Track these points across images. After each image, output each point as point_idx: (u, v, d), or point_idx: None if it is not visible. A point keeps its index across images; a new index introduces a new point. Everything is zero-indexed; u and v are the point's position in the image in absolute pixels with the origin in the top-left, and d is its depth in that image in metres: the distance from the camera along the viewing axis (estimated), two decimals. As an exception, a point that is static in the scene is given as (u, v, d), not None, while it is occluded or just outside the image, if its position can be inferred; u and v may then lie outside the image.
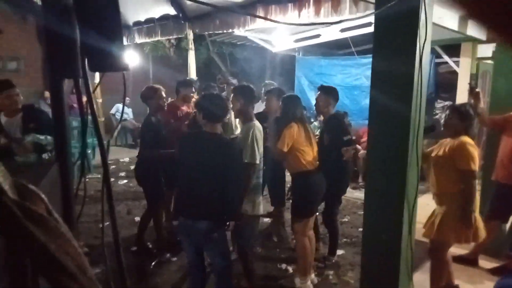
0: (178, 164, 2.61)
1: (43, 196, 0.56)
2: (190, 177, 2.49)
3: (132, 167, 7.28)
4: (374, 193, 2.10)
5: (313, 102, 8.57)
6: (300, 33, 6.92)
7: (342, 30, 6.21)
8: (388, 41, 2.01)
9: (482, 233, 2.75)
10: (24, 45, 9.35)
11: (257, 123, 2.97)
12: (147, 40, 7.00)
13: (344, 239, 4.27)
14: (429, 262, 3.63)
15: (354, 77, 7.50)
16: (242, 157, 2.72)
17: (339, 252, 3.94)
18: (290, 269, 3.54)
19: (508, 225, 3.58)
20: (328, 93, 3.55)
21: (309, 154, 3.14)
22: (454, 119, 2.76)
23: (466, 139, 2.71)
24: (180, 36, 6.86)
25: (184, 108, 4.26)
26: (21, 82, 7.41)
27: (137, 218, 4.76)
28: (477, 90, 3.28)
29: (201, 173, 2.43)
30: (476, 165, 2.64)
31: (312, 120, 7.47)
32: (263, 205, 3.18)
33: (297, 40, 7.20)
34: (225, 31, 5.80)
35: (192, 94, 4.30)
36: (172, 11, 5.96)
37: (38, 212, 0.52)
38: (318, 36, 6.70)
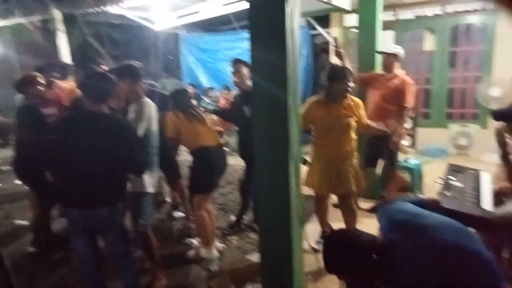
0: (55, 150, 2.33)
1: None
2: (78, 164, 2.25)
3: (4, 167, 6.46)
4: (261, 154, 2.24)
5: (202, 79, 8.57)
6: (181, 9, 6.76)
7: (224, 5, 6.25)
8: (260, 12, 2.10)
9: (360, 181, 3.14)
10: None
11: (149, 100, 2.89)
12: (5, 23, 6.12)
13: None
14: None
15: (239, 52, 7.67)
16: (135, 135, 2.55)
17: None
18: (195, 241, 3.61)
19: (379, 170, 4.14)
20: (246, 65, 3.48)
21: (203, 132, 3.21)
22: (337, 84, 2.96)
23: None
24: (45, 17, 6.15)
25: (50, 95, 3.87)
26: None
27: (18, 222, 4.31)
28: (339, 50, 3.63)
29: (89, 158, 2.23)
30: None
31: (202, 97, 7.49)
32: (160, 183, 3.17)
33: (179, 17, 7.03)
34: (97, 9, 5.37)
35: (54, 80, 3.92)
36: (31, -12, 5.29)
37: None
38: (199, 11, 6.63)
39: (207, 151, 3.18)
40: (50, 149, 2.38)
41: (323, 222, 3.36)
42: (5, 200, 5.07)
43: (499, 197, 2.74)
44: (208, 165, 3.20)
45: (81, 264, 2.47)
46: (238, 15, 7.02)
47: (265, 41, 2.11)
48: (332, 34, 6.96)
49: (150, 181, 2.79)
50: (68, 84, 4.89)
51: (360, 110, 3.09)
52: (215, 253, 3.33)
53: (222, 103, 7.15)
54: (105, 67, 4.69)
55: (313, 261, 2.91)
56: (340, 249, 1.53)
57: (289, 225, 2.17)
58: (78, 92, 3.98)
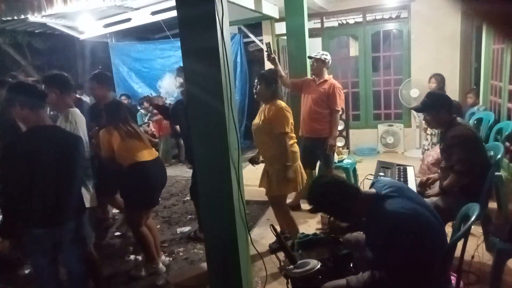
0: (17, 169, 2.16)
1: None
2: (42, 180, 2.15)
3: None
4: (202, 161, 2.24)
5: (137, 88, 8.29)
6: (109, 17, 6.51)
7: (153, 13, 6.13)
8: (190, 22, 2.12)
9: (304, 182, 3.21)
10: None
11: (77, 110, 2.78)
12: None
13: (189, 216, 4.41)
14: (263, 216, 4.14)
15: (174, 60, 7.56)
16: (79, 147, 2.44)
17: (186, 228, 4.07)
18: (139, 257, 3.48)
19: (316, 172, 4.33)
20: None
21: (137, 147, 3.08)
22: (262, 86, 3.09)
23: (281, 103, 3.03)
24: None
25: None
26: None
27: None
28: (272, 55, 3.76)
29: (52, 172, 2.16)
30: (289, 127, 3.00)
31: (138, 107, 7.26)
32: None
33: (106, 25, 6.75)
34: (15, 18, 4.99)
35: None
36: None
37: None
38: (128, 20, 6.43)
39: (142, 166, 3.05)
40: (11, 167, 2.18)
41: (280, 223, 3.30)
42: None
43: (422, 187, 3.03)
44: (145, 180, 3.05)
45: (43, 285, 2.35)
46: (170, 23, 6.93)
47: (197, 50, 2.13)
48: (264, 41, 7.15)
49: (87, 195, 2.66)
50: None
51: (275, 118, 3.02)
52: (161, 267, 3.21)
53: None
54: (24, 78, 4.38)
55: (261, 264, 2.94)
56: (329, 190, 1.83)
57: (234, 231, 2.20)
58: None
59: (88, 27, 6.81)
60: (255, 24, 7.13)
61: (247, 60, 8.02)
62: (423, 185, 3.03)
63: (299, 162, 3.17)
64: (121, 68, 8.06)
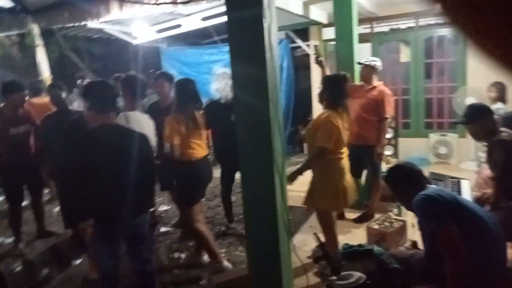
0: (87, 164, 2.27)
1: None
2: (112, 176, 2.24)
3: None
4: (246, 166, 2.25)
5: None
6: (161, 23, 6.77)
7: (204, 19, 6.29)
8: (238, 27, 2.14)
9: (352, 196, 3.01)
10: None
11: (136, 113, 2.94)
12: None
13: (235, 218, 4.43)
14: (306, 223, 4.08)
15: (221, 65, 7.71)
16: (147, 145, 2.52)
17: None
18: (182, 255, 3.56)
19: (363, 180, 4.19)
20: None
21: (195, 143, 3.11)
22: (321, 89, 3.00)
23: (331, 115, 2.83)
24: (22, 31, 6.04)
25: (20, 113, 3.80)
26: None
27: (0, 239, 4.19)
28: (319, 58, 3.70)
29: (121, 169, 2.26)
30: (329, 141, 2.79)
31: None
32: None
33: (159, 31, 7.02)
34: (76, 24, 5.32)
35: (24, 97, 3.80)
36: (8, 3, 5.19)
37: None
38: (179, 26, 6.65)
39: (198, 163, 3.12)
40: (82, 162, 2.32)
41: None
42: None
43: (479, 203, 2.83)
44: (199, 177, 3.14)
45: (103, 276, 2.44)
46: (219, 29, 7.08)
47: (245, 55, 2.15)
48: (311, 46, 7.09)
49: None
50: (41, 100, 4.89)
51: (318, 129, 2.89)
52: (227, 265, 3.19)
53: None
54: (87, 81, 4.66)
55: (302, 271, 2.89)
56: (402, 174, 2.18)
57: (276, 237, 2.17)
58: (51, 107, 3.95)
59: (141, 33, 7.13)
60: (302, 30, 7.09)
61: (293, 66, 7.99)
62: (480, 201, 2.83)
63: (345, 178, 2.98)
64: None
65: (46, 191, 5.22)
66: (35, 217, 4.14)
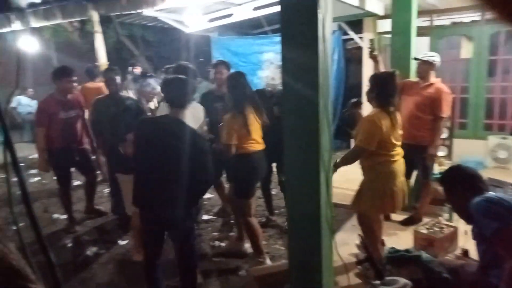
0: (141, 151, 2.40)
1: None
2: (160, 166, 2.32)
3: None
4: (291, 161, 2.20)
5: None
6: (213, 12, 6.83)
7: (255, 9, 6.26)
8: (292, 17, 2.08)
9: (402, 201, 2.86)
10: None
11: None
12: (45, 23, 6.37)
13: (276, 211, 4.42)
14: (349, 221, 3.97)
15: (271, 56, 7.66)
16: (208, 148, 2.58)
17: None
18: (223, 244, 3.60)
19: (412, 181, 4.00)
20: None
21: (251, 136, 3.10)
22: (368, 87, 2.88)
23: (375, 114, 2.74)
24: (83, 18, 6.35)
25: (70, 98, 3.98)
26: None
27: (56, 216, 4.48)
28: (374, 53, 3.53)
29: (170, 162, 2.30)
30: (368, 142, 2.69)
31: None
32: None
33: (211, 20, 7.09)
34: (133, 12, 5.50)
35: (73, 83, 3.97)
36: (71, -9, 5.48)
37: None
38: (230, 15, 6.67)
39: (256, 156, 3.13)
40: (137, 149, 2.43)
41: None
42: (44, 194, 5.27)
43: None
44: (256, 170, 3.17)
45: (148, 259, 2.53)
46: (270, 19, 7.02)
47: (297, 46, 2.09)
48: (364, 39, 6.84)
49: None
50: (95, 85, 5.15)
51: (359, 128, 2.82)
52: (268, 262, 3.20)
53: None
54: (139, 68, 4.83)
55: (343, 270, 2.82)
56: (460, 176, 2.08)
57: (318, 235, 2.12)
58: (104, 91, 4.14)
59: (193, 22, 7.24)
60: (356, 21, 6.84)
61: (344, 59, 7.77)
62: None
63: (395, 183, 2.81)
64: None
65: (97, 172, 5.52)
66: (86, 197, 4.39)
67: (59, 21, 6.23)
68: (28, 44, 7.81)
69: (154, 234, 2.46)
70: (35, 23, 6.24)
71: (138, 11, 5.44)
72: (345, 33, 7.48)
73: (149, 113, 3.69)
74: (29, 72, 8.44)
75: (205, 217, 4.25)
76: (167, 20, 7.09)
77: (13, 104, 8.80)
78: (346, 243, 3.42)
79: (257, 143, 3.15)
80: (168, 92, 2.43)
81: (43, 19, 6.08)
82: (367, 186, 2.86)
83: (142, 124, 2.52)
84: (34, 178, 6.09)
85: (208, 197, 4.80)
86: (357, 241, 3.12)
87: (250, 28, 9.04)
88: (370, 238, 2.84)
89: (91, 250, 3.60)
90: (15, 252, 0.54)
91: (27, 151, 7.71)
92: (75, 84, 3.96)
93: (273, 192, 4.83)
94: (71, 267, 3.35)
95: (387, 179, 2.79)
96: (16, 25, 6.45)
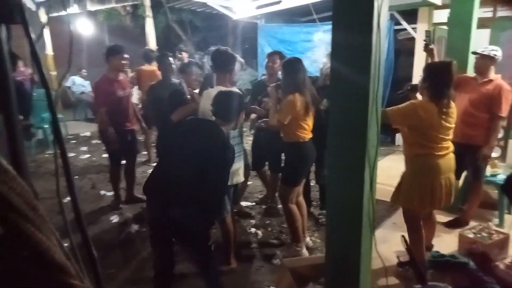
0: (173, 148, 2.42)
1: None
2: (183, 165, 2.27)
3: (94, 141, 7.09)
4: (336, 154, 2.16)
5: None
6: (261, -1, 6.78)
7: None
8: (345, 5, 2.01)
9: (445, 199, 2.72)
10: None
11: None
12: (100, 7, 6.62)
13: (314, 202, 4.39)
14: (389, 219, 3.86)
15: (316, 45, 7.50)
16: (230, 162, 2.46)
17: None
18: (259, 232, 3.64)
19: (460, 182, 3.80)
20: None
21: (306, 124, 3.09)
22: (424, 78, 2.73)
23: (417, 101, 2.70)
24: (135, 2, 6.53)
25: (122, 78, 4.09)
26: None
27: (102, 192, 4.69)
28: (430, 46, 3.35)
29: (194, 163, 2.25)
30: (393, 120, 2.62)
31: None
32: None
33: (258, 7, 7.05)
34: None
35: (124, 61, 4.01)
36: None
37: None
38: (279, 2, 6.59)
39: (306, 145, 3.12)
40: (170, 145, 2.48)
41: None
42: (92, 171, 5.55)
43: None
44: (305, 159, 3.15)
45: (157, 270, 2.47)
46: (318, 6, 6.85)
47: (349, 36, 2.01)
48: (418, 30, 6.51)
49: (240, 172, 2.94)
50: (150, 68, 5.31)
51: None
52: (304, 252, 3.21)
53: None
54: (186, 53, 4.91)
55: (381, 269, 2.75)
56: None
57: (359, 232, 2.08)
58: (159, 74, 4.24)
59: (241, 8, 7.23)
60: (409, 11, 6.52)
61: (394, 50, 7.46)
62: None
63: (439, 178, 2.68)
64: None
65: (144, 153, 5.73)
66: (126, 182, 4.39)
67: (112, 4, 6.44)
68: (84, 27, 8.17)
69: (160, 237, 2.33)
70: (91, 6, 6.50)
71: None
72: (397, 23, 7.17)
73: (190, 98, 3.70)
74: (83, 53, 8.85)
75: (243, 203, 4.29)
76: (215, 6, 7.14)
77: (67, 83, 9.29)
78: (386, 240, 3.34)
79: (309, 131, 3.13)
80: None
81: (98, 2, 6.32)
82: (407, 178, 2.78)
83: (187, 122, 2.52)
84: (84, 155, 6.43)
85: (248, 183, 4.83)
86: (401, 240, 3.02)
87: (297, 15, 8.90)
88: (414, 237, 2.74)
89: (133, 228, 3.75)
90: (59, 245, 0.52)
91: (79, 129, 8.16)
92: (125, 63, 4.03)
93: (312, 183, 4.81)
94: (115, 242, 3.51)
95: (428, 172, 2.67)
96: (73, 8, 6.76)
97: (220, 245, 3.14)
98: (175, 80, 4.04)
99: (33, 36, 0.66)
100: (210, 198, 2.24)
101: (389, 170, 3.07)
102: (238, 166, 2.94)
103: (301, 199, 3.34)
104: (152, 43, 6.44)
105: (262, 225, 3.85)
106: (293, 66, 3.09)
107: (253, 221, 3.94)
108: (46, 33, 7.92)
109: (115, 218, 3.99)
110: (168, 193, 2.20)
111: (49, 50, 8.40)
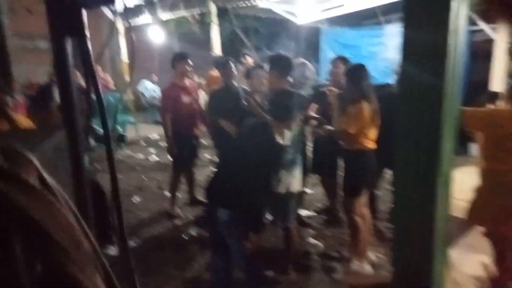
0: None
1: (36, 162, 0.50)
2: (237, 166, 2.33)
3: (162, 143, 7.43)
4: (405, 167, 2.01)
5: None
6: (325, 2, 6.66)
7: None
8: (418, 5, 1.87)
9: None
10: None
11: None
12: (171, 16, 6.96)
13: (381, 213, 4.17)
14: (462, 240, 3.54)
15: (381, 49, 7.19)
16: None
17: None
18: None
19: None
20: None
21: (372, 133, 3.01)
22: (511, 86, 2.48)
23: (499, 107, 2.53)
24: (202, 9, 6.77)
25: (188, 84, 4.19)
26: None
27: (167, 194, 4.85)
28: None
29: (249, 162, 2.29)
30: (468, 124, 2.41)
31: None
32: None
33: (322, 11, 6.95)
34: (246, 3, 5.66)
35: (189, 66, 4.11)
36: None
37: (25, 180, 0.46)
38: (342, 5, 6.43)
39: (371, 153, 3.03)
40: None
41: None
42: (159, 172, 5.77)
43: None
44: (370, 168, 3.06)
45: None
46: (384, 9, 6.58)
47: (422, 42, 1.86)
48: (498, 31, 5.97)
49: (300, 180, 2.87)
50: (218, 73, 5.46)
51: None
52: (367, 268, 3.04)
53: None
54: (251, 58, 4.96)
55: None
56: None
57: (431, 250, 1.91)
58: (220, 80, 4.32)
59: (304, 13, 7.17)
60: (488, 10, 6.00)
61: (469, 52, 6.91)
62: None
63: None
64: (329, 54, 8.21)
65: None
66: (188, 185, 4.48)
67: (181, 12, 6.74)
68: (156, 35, 8.64)
69: (217, 240, 2.35)
70: (163, 16, 6.86)
71: (253, 3, 5.57)
72: (473, 23, 6.64)
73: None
74: (155, 60, 9.35)
75: (304, 212, 4.20)
76: (279, 12, 7.16)
77: (140, 88, 9.89)
78: (458, 263, 3.06)
79: (373, 141, 3.01)
80: (272, 104, 2.47)
81: (169, 11, 6.66)
82: (479, 195, 2.53)
83: (249, 127, 2.53)
84: (153, 157, 6.76)
85: (308, 192, 4.73)
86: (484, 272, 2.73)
87: (361, 19, 8.62)
88: (498, 263, 2.47)
89: (191, 230, 3.83)
90: (106, 278, 0.50)
91: (149, 131, 8.61)
92: (190, 69, 4.14)
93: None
94: (173, 246, 3.59)
95: (506, 191, 2.40)
96: (146, 17, 7.17)
97: (279, 253, 3.10)
98: (236, 85, 4.09)
99: (90, 48, 0.67)
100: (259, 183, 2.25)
101: (462, 182, 2.81)
102: (295, 173, 2.90)
103: (365, 210, 3.19)
104: (217, 49, 6.62)
105: (322, 236, 3.73)
106: (357, 73, 3.00)
107: (313, 231, 3.83)
108: (122, 41, 8.50)
109: (175, 220, 4.10)
110: (226, 197, 2.23)
111: (124, 57, 9.00)
